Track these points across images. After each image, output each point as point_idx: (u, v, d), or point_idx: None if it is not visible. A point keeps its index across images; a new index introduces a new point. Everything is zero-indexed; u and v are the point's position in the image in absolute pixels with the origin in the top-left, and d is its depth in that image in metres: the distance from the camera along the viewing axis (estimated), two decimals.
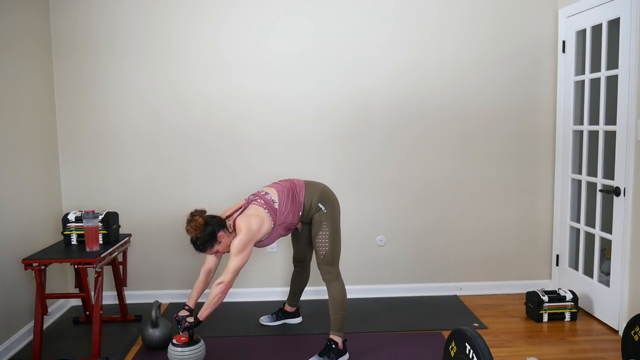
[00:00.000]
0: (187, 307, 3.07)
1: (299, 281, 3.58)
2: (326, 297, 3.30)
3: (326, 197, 3.16)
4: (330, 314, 3.09)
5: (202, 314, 2.94)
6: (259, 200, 3.07)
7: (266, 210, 3.03)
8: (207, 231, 2.93)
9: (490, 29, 4.01)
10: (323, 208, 3.11)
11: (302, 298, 3.80)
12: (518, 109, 4.08)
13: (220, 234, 2.97)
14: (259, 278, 4.12)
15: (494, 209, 4.16)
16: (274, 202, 3.06)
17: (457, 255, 4.19)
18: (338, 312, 3.07)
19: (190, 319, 2.96)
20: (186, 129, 3.98)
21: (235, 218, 3.02)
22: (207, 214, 3.02)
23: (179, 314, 3.02)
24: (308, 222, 3.23)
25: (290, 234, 3.39)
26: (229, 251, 3.01)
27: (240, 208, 3.09)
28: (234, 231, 3.01)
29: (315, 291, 4.01)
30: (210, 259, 3.13)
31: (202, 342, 3.02)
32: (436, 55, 4.01)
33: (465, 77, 4.03)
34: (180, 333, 2.97)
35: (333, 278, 3.08)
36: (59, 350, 3.27)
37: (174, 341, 2.96)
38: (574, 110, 3.90)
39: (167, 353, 2.97)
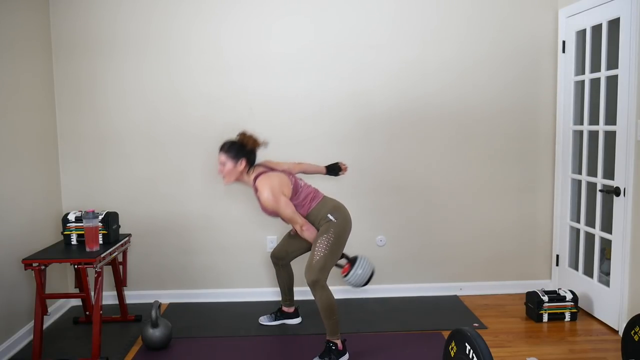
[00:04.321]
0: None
1: (282, 279, 3.61)
2: None
3: (337, 210, 3.20)
4: (323, 321, 3.08)
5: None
6: (289, 176, 3.20)
7: (290, 180, 3.17)
8: (242, 147, 3.10)
9: (490, 29, 4.01)
10: (333, 219, 3.15)
11: (300, 298, 3.80)
12: (518, 109, 4.08)
13: (243, 162, 3.09)
14: (258, 278, 4.12)
15: (494, 209, 4.16)
16: (300, 180, 3.26)
17: (457, 255, 4.19)
18: (331, 318, 3.05)
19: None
20: (186, 128, 3.98)
21: (260, 174, 3.11)
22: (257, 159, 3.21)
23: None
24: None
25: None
26: (224, 177, 3.13)
27: (272, 169, 3.20)
28: (251, 175, 3.14)
29: None
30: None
31: (358, 256, 3.23)
32: (436, 55, 4.01)
33: (465, 77, 4.03)
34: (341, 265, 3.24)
35: (319, 284, 3.04)
36: (59, 350, 3.27)
37: (342, 275, 3.21)
38: (574, 110, 3.90)
39: (349, 284, 3.23)
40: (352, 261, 3.21)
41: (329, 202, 3.24)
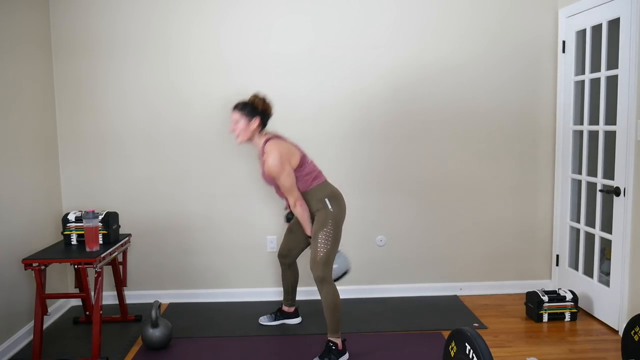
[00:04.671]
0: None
1: (287, 279, 3.60)
2: None
3: (335, 197, 3.17)
4: (326, 318, 3.08)
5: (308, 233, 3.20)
6: (299, 149, 3.20)
7: (299, 152, 3.17)
8: (255, 107, 3.11)
9: (490, 29, 4.01)
10: (330, 206, 3.12)
11: (300, 298, 3.80)
12: (518, 108, 4.08)
13: (257, 120, 3.11)
14: (258, 278, 4.12)
15: (494, 209, 4.16)
16: (307, 157, 3.24)
17: (457, 255, 4.19)
18: (334, 315, 3.06)
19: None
20: (186, 128, 3.98)
21: (270, 138, 3.12)
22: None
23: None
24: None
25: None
26: (238, 136, 3.14)
27: (280, 137, 3.21)
28: (262, 137, 3.15)
29: (313, 291, 3.99)
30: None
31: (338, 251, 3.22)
32: (436, 55, 4.01)
33: (465, 77, 4.03)
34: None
35: (326, 280, 3.05)
36: (59, 350, 3.27)
37: None
38: (574, 110, 3.90)
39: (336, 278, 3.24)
40: None
41: (329, 186, 3.21)
